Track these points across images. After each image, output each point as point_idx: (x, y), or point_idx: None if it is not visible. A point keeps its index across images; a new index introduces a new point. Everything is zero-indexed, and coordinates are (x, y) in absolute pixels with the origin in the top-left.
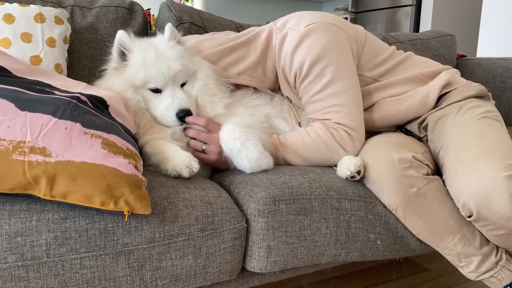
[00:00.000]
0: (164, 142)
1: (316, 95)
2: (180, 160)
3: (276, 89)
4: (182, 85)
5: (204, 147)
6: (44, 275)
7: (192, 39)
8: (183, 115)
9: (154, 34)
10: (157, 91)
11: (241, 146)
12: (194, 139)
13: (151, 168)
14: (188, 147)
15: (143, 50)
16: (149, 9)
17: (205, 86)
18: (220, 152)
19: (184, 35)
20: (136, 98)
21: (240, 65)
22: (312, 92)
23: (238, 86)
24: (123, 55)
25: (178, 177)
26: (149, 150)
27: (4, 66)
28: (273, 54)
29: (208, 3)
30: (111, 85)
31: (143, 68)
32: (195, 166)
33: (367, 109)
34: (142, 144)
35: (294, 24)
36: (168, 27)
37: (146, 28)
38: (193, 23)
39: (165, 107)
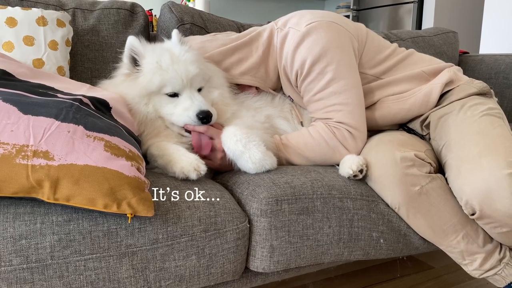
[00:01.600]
0: (170, 144)
1: (318, 94)
2: (188, 162)
3: (278, 88)
4: (199, 90)
5: None
6: (48, 277)
7: (194, 40)
8: (203, 116)
9: (156, 36)
10: (173, 95)
11: (243, 148)
12: None
13: (157, 170)
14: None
15: (157, 54)
16: (150, 10)
17: (221, 95)
18: (223, 157)
19: (185, 36)
20: (146, 110)
21: (243, 65)
22: (314, 91)
23: (240, 87)
24: (134, 61)
25: (185, 180)
26: (155, 151)
27: (7, 70)
28: (274, 53)
29: (209, 4)
30: (124, 93)
31: (159, 72)
32: (203, 168)
33: (369, 107)
34: (147, 147)
35: (295, 23)
36: (175, 33)
37: (147, 29)
38: (194, 24)
39: (184, 108)
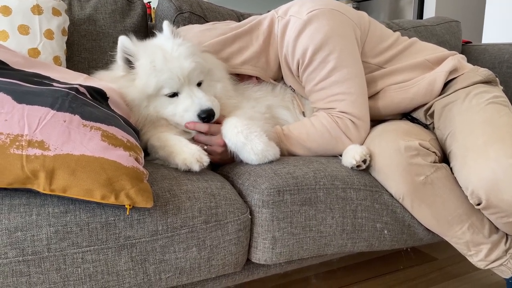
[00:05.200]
0: (171, 135)
1: (320, 83)
2: (190, 153)
3: (279, 78)
4: (199, 85)
5: (205, 147)
6: (45, 270)
7: (193, 29)
8: (205, 115)
9: (154, 26)
10: (173, 95)
11: (245, 139)
12: None
13: (159, 161)
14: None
15: (149, 54)
16: (149, 2)
17: (223, 88)
18: (223, 152)
19: (184, 25)
20: (146, 112)
21: (243, 55)
22: (316, 80)
23: (240, 77)
24: (129, 62)
25: (187, 171)
26: (156, 143)
27: (1, 59)
28: (275, 42)
29: None
30: (124, 94)
31: (154, 74)
32: (206, 159)
33: (372, 97)
34: (147, 138)
35: (296, 11)
36: (166, 25)
37: (145, 19)
38: (193, 13)
39: (184, 108)
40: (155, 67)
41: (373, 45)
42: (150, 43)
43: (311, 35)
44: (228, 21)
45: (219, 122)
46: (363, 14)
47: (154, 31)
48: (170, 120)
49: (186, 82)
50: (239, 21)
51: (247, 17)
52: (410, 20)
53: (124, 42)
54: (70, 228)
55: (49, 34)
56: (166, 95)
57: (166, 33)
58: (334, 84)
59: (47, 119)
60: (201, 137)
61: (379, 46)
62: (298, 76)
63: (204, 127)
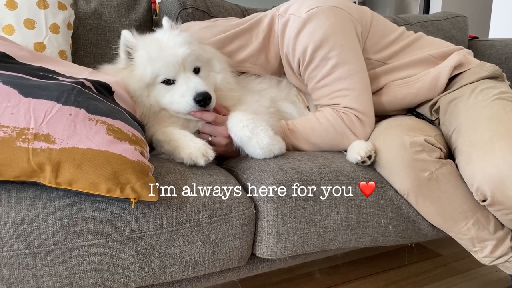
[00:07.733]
0: (177, 130)
1: (322, 81)
2: (196, 148)
3: (281, 75)
4: (197, 72)
5: (210, 139)
6: (51, 262)
7: (193, 27)
8: (200, 98)
9: (159, 21)
10: (169, 82)
11: (250, 133)
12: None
13: (164, 156)
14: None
15: (147, 45)
16: None
17: (224, 80)
18: (228, 144)
19: (187, 20)
20: (148, 103)
21: (243, 53)
22: (318, 77)
23: (241, 74)
24: (129, 55)
25: (193, 166)
26: (161, 137)
27: (8, 53)
28: (275, 40)
29: None
30: (126, 84)
31: (150, 63)
32: (211, 154)
33: (376, 92)
34: (152, 133)
35: (296, 10)
36: (165, 20)
37: (150, 13)
38: (196, 8)
39: (180, 94)
40: (151, 56)
41: (376, 40)
42: (149, 36)
43: (310, 33)
44: (230, 17)
45: (224, 115)
46: (365, 9)
47: (154, 29)
48: (169, 109)
49: (181, 69)
50: (243, 16)
51: (251, 12)
52: (416, 15)
53: (126, 36)
54: (75, 221)
55: (54, 28)
56: (162, 82)
57: (166, 27)
58: (337, 81)
59: (53, 113)
60: (206, 127)
61: (381, 41)
62: (300, 75)
63: (211, 116)
